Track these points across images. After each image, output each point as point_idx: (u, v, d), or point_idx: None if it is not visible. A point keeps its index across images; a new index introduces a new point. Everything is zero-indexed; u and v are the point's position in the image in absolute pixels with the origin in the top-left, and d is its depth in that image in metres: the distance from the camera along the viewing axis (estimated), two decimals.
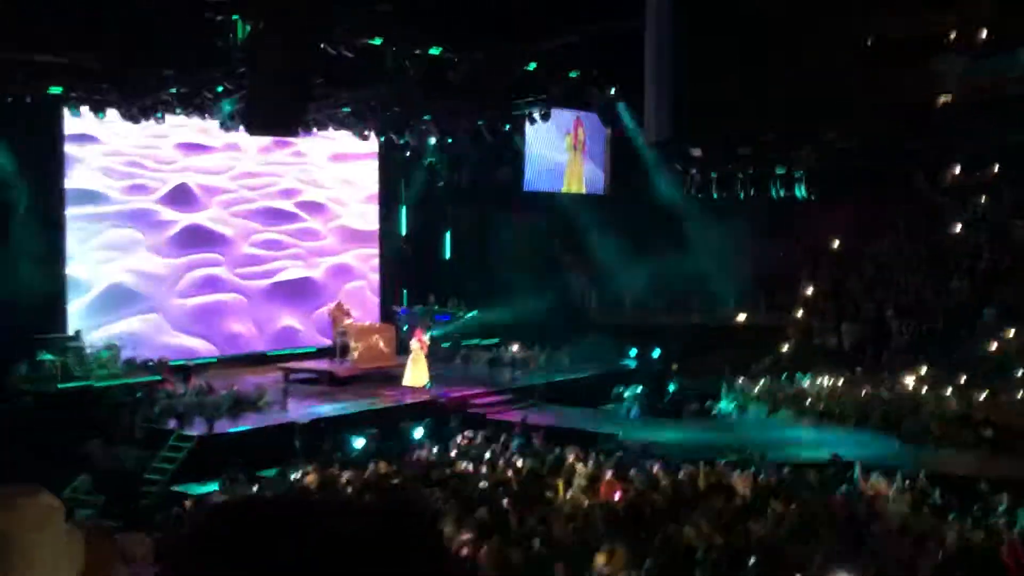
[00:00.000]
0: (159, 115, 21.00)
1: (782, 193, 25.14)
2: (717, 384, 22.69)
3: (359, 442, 17.84)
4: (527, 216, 27.34)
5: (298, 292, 26.08)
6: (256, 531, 1.09)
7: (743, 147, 22.06)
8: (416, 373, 22.41)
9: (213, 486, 15.69)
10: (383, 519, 1.12)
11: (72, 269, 21.94)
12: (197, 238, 24.18)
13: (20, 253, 20.03)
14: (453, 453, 16.72)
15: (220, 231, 24.68)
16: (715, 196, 25.84)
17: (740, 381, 22.80)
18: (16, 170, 20.07)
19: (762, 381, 22.81)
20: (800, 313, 26.53)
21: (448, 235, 28.98)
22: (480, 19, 17.53)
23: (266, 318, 25.40)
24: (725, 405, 22.07)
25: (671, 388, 22.91)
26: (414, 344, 22.60)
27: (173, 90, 19.73)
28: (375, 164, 27.80)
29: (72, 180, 21.98)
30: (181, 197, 23.94)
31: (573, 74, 22.00)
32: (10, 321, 19.34)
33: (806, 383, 22.57)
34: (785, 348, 25.49)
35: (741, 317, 26.75)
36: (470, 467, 15.44)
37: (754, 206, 25.71)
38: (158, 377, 20.51)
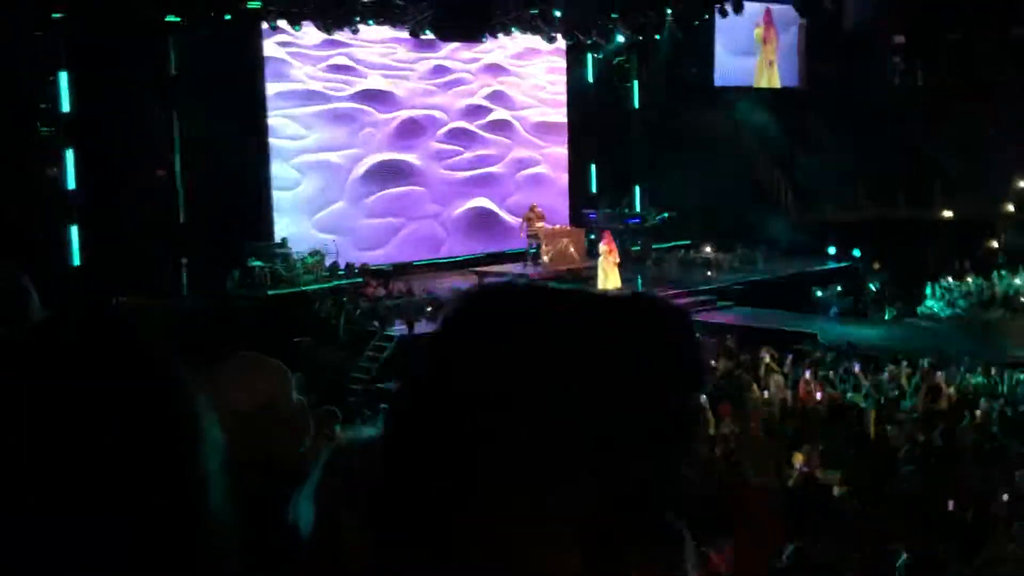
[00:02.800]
0: (354, 27, 21.57)
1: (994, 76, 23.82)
2: (922, 283, 22.01)
3: None
4: (719, 112, 26.86)
5: (490, 190, 26.49)
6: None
7: (951, 33, 21.04)
8: (607, 276, 22.55)
9: None
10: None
11: (275, 171, 22.88)
12: (395, 137, 24.66)
13: (229, 160, 21.03)
14: None
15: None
16: (919, 83, 24.76)
17: (948, 280, 22.05)
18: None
19: (970, 279, 21.99)
20: (1011, 208, 25.29)
21: (639, 136, 28.70)
22: None
23: (462, 240, 25.99)
24: (931, 304, 21.43)
25: (873, 287, 22.35)
26: (603, 248, 22.70)
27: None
28: (563, 65, 27.85)
29: (270, 88, 22.76)
30: (374, 98, 24.40)
31: None
32: (222, 226, 20.52)
33: (1017, 281, 21.65)
34: (995, 244, 24.42)
35: (947, 212, 25.71)
36: None
37: (958, 93, 24.46)
38: (360, 280, 21.45)
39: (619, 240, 23.53)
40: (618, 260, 22.55)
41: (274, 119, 22.79)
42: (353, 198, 24.17)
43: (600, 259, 22.62)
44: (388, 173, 24.71)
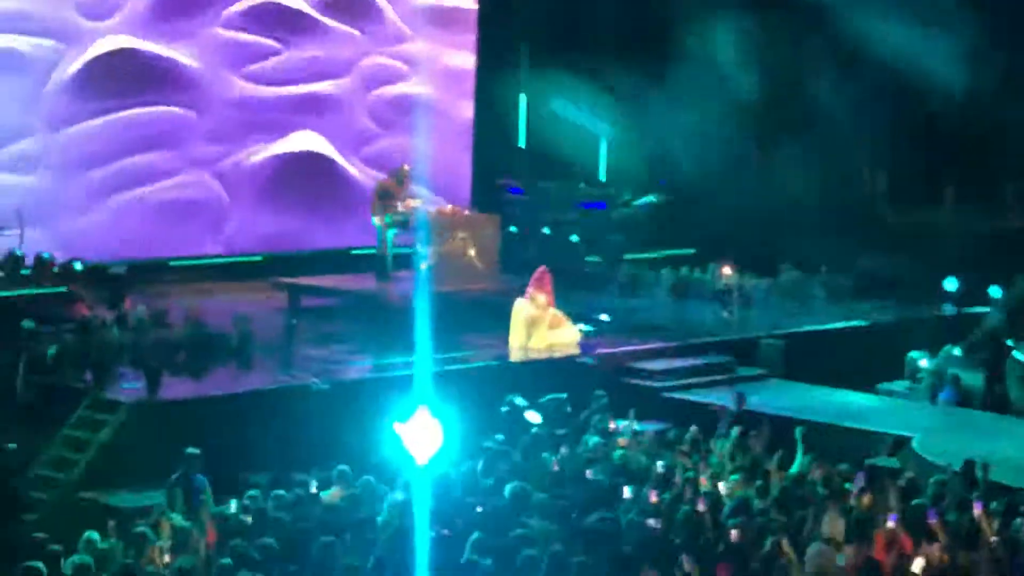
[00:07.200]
0: None
1: None
2: None
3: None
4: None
5: (320, 170, 27.11)
6: None
7: None
8: (533, 323, 22.41)
9: (154, 496, 16.04)
10: None
11: None
12: (130, 74, 24.82)
13: None
14: (590, 466, 16.77)
15: (175, 58, 25.26)
16: None
17: None
18: None
19: None
20: None
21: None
22: None
23: (261, 217, 26.37)
24: None
25: (1020, 356, 22.54)
26: (531, 296, 22.48)
27: None
28: None
29: None
30: None
31: None
32: None
33: None
34: None
35: None
36: (627, 490, 15.49)
37: None
38: (63, 289, 21.08)
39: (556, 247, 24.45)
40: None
41: None
42: (52, 125, 24.06)
43: (526, 302, 22.44)
44: (125, 81, 24.70)
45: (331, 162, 27.20)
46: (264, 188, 26.51)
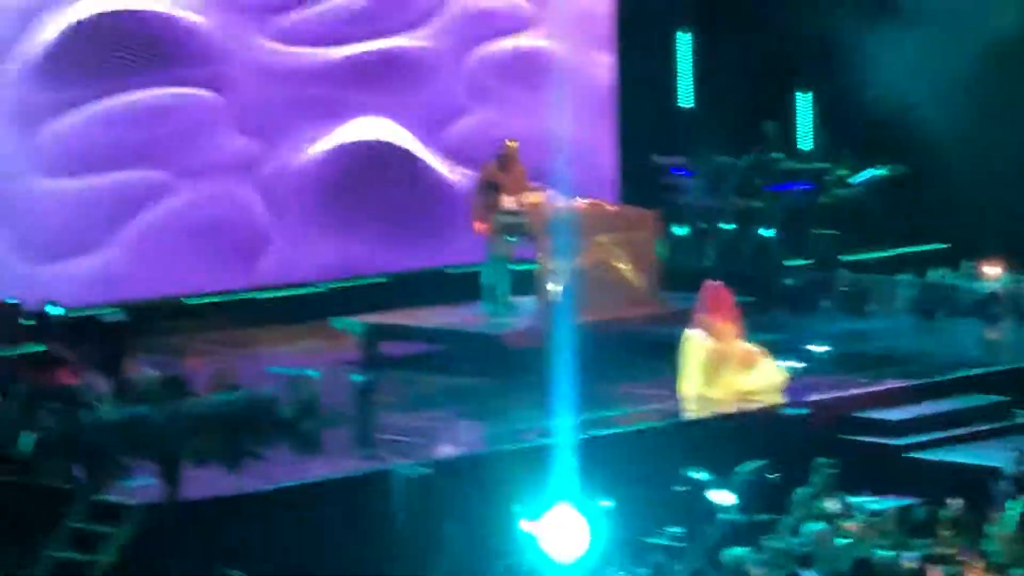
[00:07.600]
0: None
1: None
2: None
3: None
4: None
5: (396, 165, 27.46)
6: None
7: None
8: (721, 360, 22.55)
9: None
10: None
11: None
12: (122, 45, 25.22)
13: None
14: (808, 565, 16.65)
15: (180, 16, 25.59)
16: None
17: None
18: None
19: None
20: None
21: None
22: None
23: (315, 236, 26.71)
24: None
25: None
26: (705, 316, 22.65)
27: None
28: None
29: None
30: None
31: None
32: None
33: None
34: None
35: None
36: None
37: None
38: (36, 349, 21.20)
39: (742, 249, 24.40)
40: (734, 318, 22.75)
41: None
42: (15, 120, 24.43)
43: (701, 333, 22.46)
44: (116, 55, 25.06)
45: (410, 154, 27.55)
46: (317, 196, 26.91)
